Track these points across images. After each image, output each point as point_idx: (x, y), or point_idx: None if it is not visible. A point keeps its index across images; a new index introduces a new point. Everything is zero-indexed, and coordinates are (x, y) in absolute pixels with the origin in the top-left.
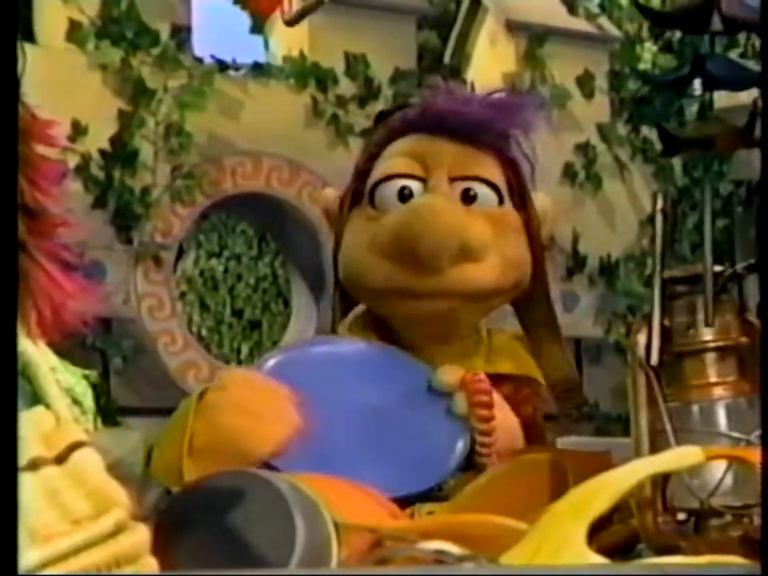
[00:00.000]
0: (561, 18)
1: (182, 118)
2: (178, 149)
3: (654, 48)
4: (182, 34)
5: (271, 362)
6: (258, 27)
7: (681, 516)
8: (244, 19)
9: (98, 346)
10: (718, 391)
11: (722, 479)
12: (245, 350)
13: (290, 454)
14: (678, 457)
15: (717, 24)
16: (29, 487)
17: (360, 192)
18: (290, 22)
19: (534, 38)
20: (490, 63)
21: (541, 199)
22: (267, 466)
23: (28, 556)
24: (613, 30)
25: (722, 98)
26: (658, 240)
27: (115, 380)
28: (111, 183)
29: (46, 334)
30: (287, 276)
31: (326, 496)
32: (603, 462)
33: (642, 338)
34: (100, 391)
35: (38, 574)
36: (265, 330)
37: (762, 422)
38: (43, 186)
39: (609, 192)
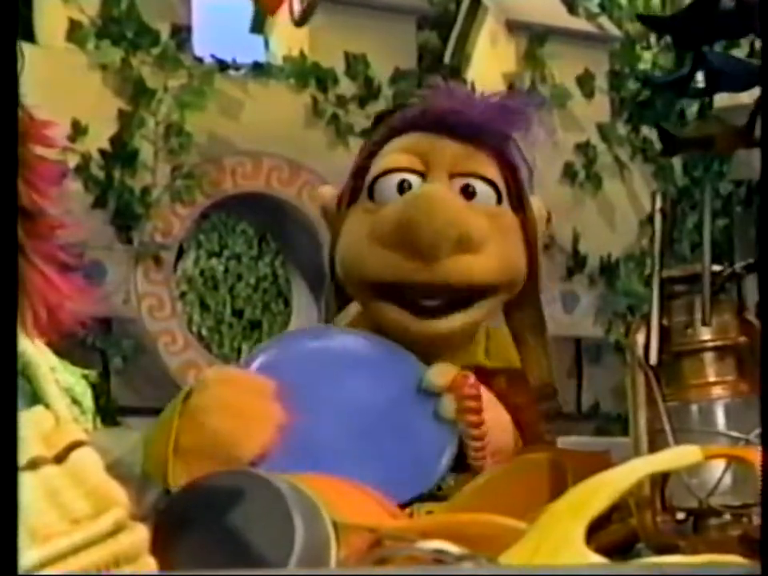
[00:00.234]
0: (561, 17)
1: (182, 118)
2: (178, 149)
3: (655, 48)
4: (182, 33)
5: (260, 358)
6: (258, 27)
7: (680, 515)
8: (244, 19)
9: (98, 345)
10: (717, 391)
11: (721, 478)
12: (245, 349)
13: (274, 456)
14: (676, 456)
15: (727, 3)
16: (28, 487)
17: (358, 190)
18: (300, 22)
19: (534, 38)
20: (490, 63)
21: (537, 203)
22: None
23: (28, 555)
24: (613, 30)
25: (722, 98)
26: (657, 240)
27: (115, 380)
28: (111, 183)
29: (42, 335)
30: (287, 276)
31: (325, 496)
32: (602, 462)
33: (640, 338)
34: (100, 391)
35: (37, 573)
36: (265, 329)
37: (761, 421)
38: (41, 187)
39: (609, 192)
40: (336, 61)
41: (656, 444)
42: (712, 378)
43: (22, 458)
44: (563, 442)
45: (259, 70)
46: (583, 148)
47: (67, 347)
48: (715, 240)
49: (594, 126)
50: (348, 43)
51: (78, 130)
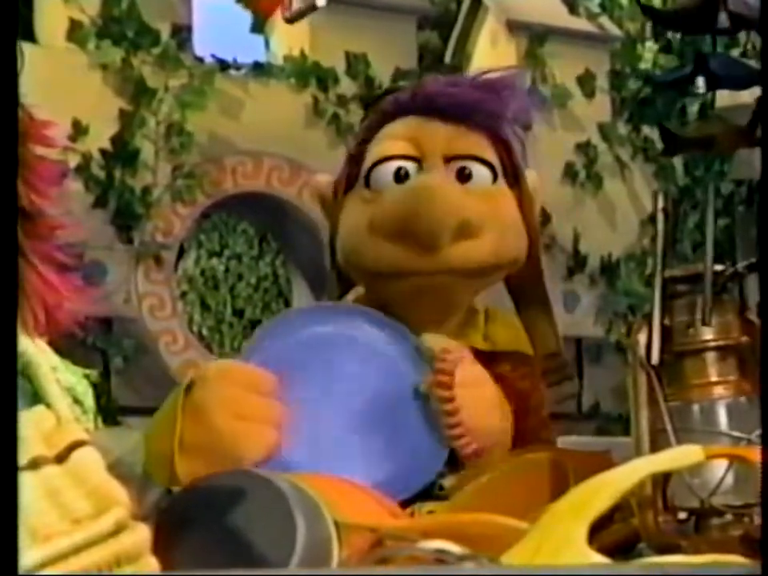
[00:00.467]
0: (562, 17)
1: (183, 118)
2: (178, 148)
3: (655, 47)
4: (182, 33)
5: (260, 348)
6: (258, 27)
7: (681, 515)
8: (245, 19)
9: (98, 345)
10: (719, 390)
11: (722, 478)
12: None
13: (276, 453)
14: (678, 456)
15: (723, 21)
16: (29, 486)
17: (354, 176)
18: (290, 20)
19: (534, 38)
20: (490, 63)
21: (532, 176)
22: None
23: (28, 555)
24: (614, 30)
25: (723, 98)
26: (659, 239)
27: (116, 379)
28: (112, 183)
29: (40, 335)
30: (288, 276)
31: (326, 495)
32: (603, 462)
33: (642, 338)
34: (101, 391)
35: (38, 573)
36: None
37: (763, 420)
38: (40, 187)
39: (610, 191)
40: (337, 60)
41: (657, 444)
42: (714, 378)
43: (23, 458)
44: (564, 441)
45: (260, 69)
46: (584, 148)
47: (68, 347)
48: (717, 240)
49: (595, 125)
50: (349, 43)
51: (78, 130)
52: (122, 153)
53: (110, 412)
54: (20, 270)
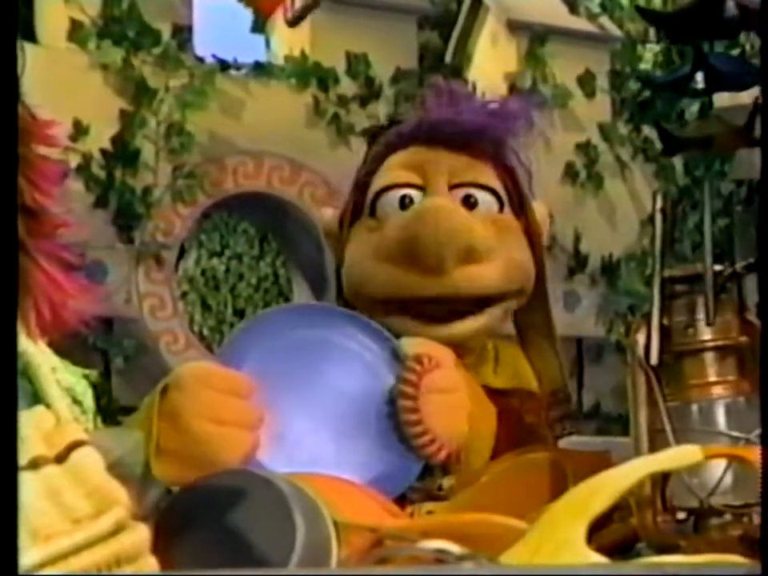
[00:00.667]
0: (562, 17)
1: (184, 118)
2: (179, 148)
3: (656, 48)
4: (183, 33)
5: (236, 349)
6: (259, 27)
7: (680, 515)
8: (245, 19)
9: (99, 345)
10: (718, 390)
11: (721, 478)
12: None
13: (254, 457)
14: (677, 456)
15: (732, 9)
16: (29, 486)
17: (359, 206)
18: (292, 22)
19: (535, 38)
20: (491, 63)
21: (540, 206)
22: None
23: (28, 555)
24: (614, 30)
25: (722, 98)
26: (658, 239)
27: (117, 380)
28: (113, 183)
29: (45, 334)
30: (288, 276)
31: (326, 495)
32: (603, 462)
33: (641, 338)
34: (101, 391)
35: (38, 573)
36: None
37: (762, 420)
38: (43, 186)
39: (610, 191)
40: (337, 60)
41: (656, 444)
42: (713, 378)
43: (23, 458)
44: (563, 441)
45: (260, 69)
46: (584, 148)
47: (68, 347)
48: (716, 240)
49: (595, 125)
50: (349, 43)
51: (79, 130)
52: (122, 153)
53: (110, 412)
54: (25, 268)
